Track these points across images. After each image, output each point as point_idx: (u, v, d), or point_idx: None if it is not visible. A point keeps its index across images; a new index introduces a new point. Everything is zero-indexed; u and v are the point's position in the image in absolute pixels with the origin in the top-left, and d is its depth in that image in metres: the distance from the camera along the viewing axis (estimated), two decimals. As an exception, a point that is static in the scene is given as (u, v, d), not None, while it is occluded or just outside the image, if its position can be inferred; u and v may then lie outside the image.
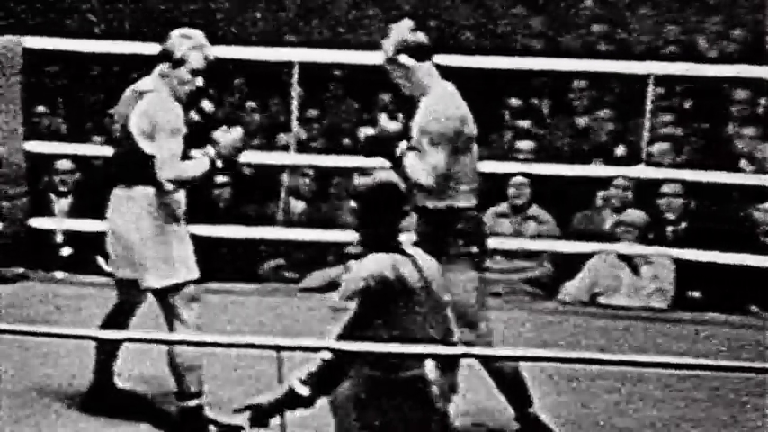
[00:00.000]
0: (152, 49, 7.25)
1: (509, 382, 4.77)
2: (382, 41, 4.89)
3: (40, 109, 8.46)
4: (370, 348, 3.74)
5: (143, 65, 8.62)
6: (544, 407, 4.92)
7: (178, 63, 4.95)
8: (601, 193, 7.43)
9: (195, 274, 4.98)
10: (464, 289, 4.67)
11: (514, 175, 7.27)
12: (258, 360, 5.34)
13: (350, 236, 7.18)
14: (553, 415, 4.98)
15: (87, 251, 7.28)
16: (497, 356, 4.74)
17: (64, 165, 7.47)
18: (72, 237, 7.31)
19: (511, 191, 7.30)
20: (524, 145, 7.68)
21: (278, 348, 4.59)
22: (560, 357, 4.66)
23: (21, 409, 5.07)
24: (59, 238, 7.35)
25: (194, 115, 5.19)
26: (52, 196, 7.51)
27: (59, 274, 7.12)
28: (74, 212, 7.41)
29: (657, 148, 7.32)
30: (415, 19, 5.04)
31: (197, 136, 5.16)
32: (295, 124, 7.34)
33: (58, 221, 7.30)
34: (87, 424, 5.00)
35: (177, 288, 4.92)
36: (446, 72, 7.29)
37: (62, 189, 7.50)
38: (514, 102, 8.37)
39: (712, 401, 5.44)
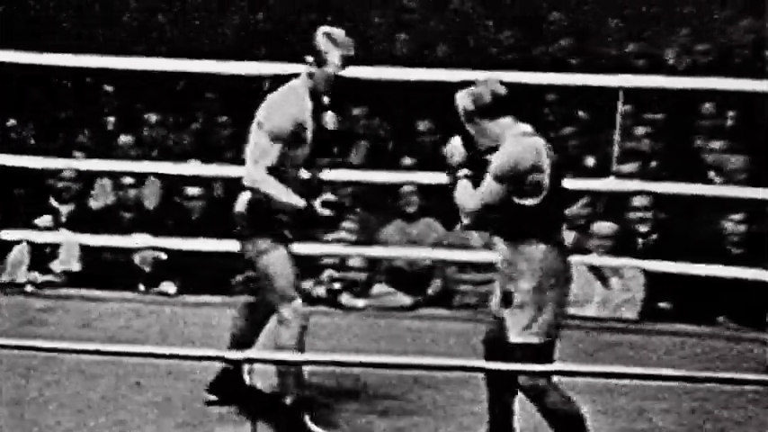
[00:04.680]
0: (125, 63, 7.33)
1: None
2: (460, 93, 4.74)
3: (10, 122, 8.46)
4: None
5: (116, 79, 8.68)
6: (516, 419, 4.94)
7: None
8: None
9: None
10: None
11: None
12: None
13: (320, 249, 7.24)
14: (524, 428, 5.00)
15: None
16: (461, 368, 4.75)
17: (68, 172, 7.55)
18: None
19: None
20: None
21: (250, 361, 4.61)
22: (532, 370, 4.68)
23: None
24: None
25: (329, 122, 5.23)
26: (53, 202, 7.59)
27: (29, 288, 7.11)
28: (73, 221, 7.50)
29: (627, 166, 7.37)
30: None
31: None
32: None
33: (25, 234, 7.30)
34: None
35: None
36: (418, 86, 7.37)
37: (65, 196, 7.59)
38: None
39: (684, 413, 5.48)
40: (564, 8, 9.68)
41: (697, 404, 5.53)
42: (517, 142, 4.62)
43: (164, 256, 7.39)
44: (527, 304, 4.61)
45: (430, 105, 8.31)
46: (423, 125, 8.25)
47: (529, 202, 4.59)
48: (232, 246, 6.99)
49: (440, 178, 7.14)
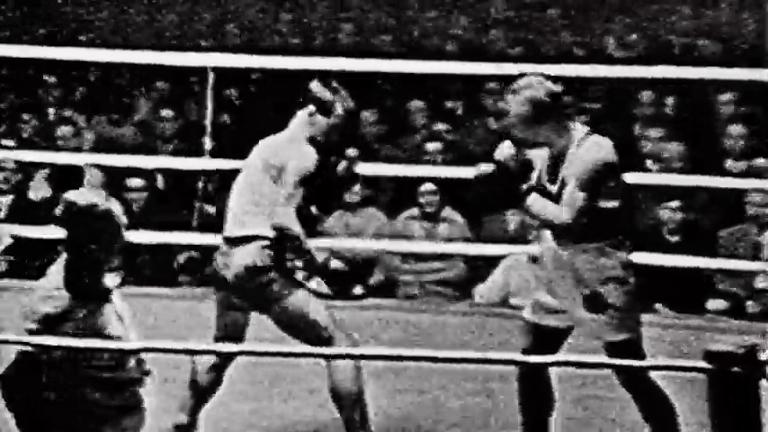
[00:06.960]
0: (64, 53, 7.32)
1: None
2: (506, 96, 4.43)
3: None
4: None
5: (55, 69, 8.66)
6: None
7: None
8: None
9: None
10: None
11: (424, 180, 7.33)
12: (180, 363, 5.39)
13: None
14: (462, 414, 5.05)
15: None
16: (408, 357, 4.80)
17: (8, 163, 7.49)
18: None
19: (421, 199, 7.36)
20: (433, 146, 7.73)
21: (192, 353, 4.62)
22: (475, 358, 4.74)
23: None
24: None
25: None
26: None
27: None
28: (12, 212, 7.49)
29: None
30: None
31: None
32: (209, 130, 7.36)
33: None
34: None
35: None
36: (362, 76, 7.41)
37: (3, 187, 7.54)
38: (425, 104, 8.42)
39: (625, 400, 5.55)
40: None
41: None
42: (591, 146, 4.37)
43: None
44: (624, 306, 4.46)
45: (374, 95, 8.35)
46: (367, 115, 8.27)
47: (611, 204, 4.38)
48: (174, 237, 7.07)
49: (383, 169, 7.25)
